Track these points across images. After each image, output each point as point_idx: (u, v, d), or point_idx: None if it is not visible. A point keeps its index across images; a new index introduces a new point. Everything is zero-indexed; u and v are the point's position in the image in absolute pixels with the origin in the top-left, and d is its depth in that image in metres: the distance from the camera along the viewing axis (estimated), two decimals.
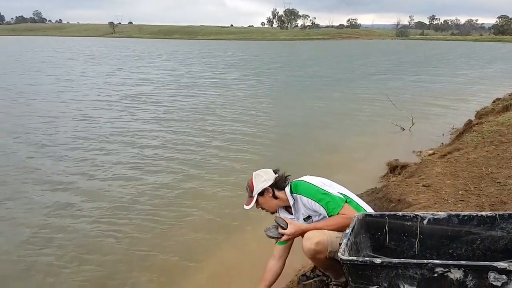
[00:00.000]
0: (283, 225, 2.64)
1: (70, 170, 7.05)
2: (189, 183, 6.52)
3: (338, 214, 2.59)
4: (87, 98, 14.55)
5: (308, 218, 2.75)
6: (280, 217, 2.69)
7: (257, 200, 2.80)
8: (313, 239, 2.55)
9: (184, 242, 4.77)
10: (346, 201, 2.64)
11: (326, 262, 2.67)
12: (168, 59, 36.38)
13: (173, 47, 59.97)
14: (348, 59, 37.20)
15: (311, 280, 3.22)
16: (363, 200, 2.91)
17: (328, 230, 2.59)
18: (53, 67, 26.15)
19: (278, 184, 2.80)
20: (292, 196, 2.77)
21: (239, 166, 7.26)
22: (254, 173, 2.86)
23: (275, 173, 2.84)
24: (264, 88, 17.92)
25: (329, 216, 2.64)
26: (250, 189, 2.80)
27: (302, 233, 2.65)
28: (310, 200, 2.68)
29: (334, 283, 2.85)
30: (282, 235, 2.66)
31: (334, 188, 2.75)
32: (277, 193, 2.80)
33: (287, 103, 14.30)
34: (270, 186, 2.78)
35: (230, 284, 4.04)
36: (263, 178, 2.79)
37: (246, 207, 2.82)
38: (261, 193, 2.78)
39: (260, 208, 2.87)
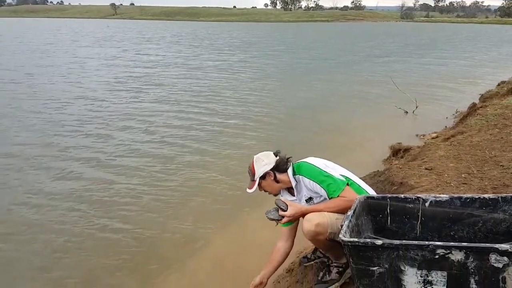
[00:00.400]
0: (283, 207, 2.64)
1: (84, 148, 7.29)
2: (197, 160, 6.70)
3: (338, 196, 2.60)
4: (95, 80, 14.65)
5: (309, 200, 2.76)
6: (280, 200, 2.70)
7: (259, 184, 2.81)
8: (313, 221, 2.56)
9: (192, 218, 4.91)
10: (347, 184, 2.64)
11: (326, 244, 2.69)
12: (172, 41, 36.17)
13: (176, 29, 59.56)
14: (352, 42, 36.81)
15: (312, 262, 3.25)
16: (365, 183, 2.91)
17: (328, 212, 2.60)
18: (59, 49, 26.07)
19: (280, 167, 2.80)
20: (295, 178, 2.77)
21: (246, 146, 7.35)
22: (254, 156, 2.86)
23: (276, 156, 2.84)
24: (269, 70, 17.83)
25: (329, 199, 2.64)
26: (252, 173, 2.81)
27: (302, 215, 2.66)
28: (311, 181, 2.68)
29: (334, 264, 2.86)
30: (283, 217, 2.67)
31: (336, 170, 2.74)
32: (279, 176, 2.80)
33: (292, 85, 14.25)
34: (272, 169, 2.78)
35: (236, 263, 4.07)
36: (264, 162, 2.79)
37: (248, 190, 2.83)
38: (262, 177, 2.79)
39: (263, 191, 2.88)
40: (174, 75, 15.88)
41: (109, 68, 17.62)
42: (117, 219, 4.87)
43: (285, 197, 2.92)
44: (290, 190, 2.90)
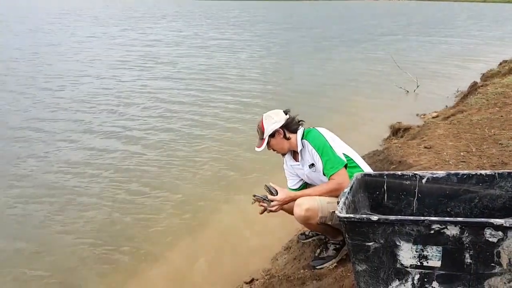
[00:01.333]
0: (273, 191, 2.64)
1: (96, 122, 7.50)
2: (200, 137, 6.82)
3: (330, 177, 2.59)
4: (102, 58, 14.68)
5: (312, 166, 2.75)
6: (271, 184, 2.69)
7: (268, 142, 2.78)
8: (303, 205, 2.57)
9: (197, 187, 5.08)
10: (345, 167, 2.62)
11: (318, 227, 2.71)
12: (173, 20, 35.83)
13: (175, 8, 58.85)
14: (355, 21, 36.41)
15: (310, 239, 3.28)
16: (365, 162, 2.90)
17: (319, 196, 2.60)
18: (61, 29, 25.81)
19: (289, 126, 2.77)
20: (302, 142, 2.75)
21: (244, 122, 7.41)
22: (264, 114, 2.83)
23: (286, 114, 2.81)
24: (274, 49, 17.74)
25: (323, 174, 2.64)
26: (261, 131, 2.77)
27: (292, 200, 2.67)
28: (314, 150, 2.67)
29: (332, 241, 2.89)
30: (270, 200, 2.66)
31: (342, 148, 2.72)
32: (288, 135, 2.78)
33: (295, 64, 14.19)
34: (281, 127, 2.75)
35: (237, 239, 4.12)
36: (274, 120, 2.76)
37: (257, 149, 2.80)
38: (272, 135, 2.76)
39: (271, 150, 2.86)
40: (180, 54, 15.91)
41: (114, 47, 17.61)
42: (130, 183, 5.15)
43: (289, 162, 2.91)
44: (294, 155, 2.88)
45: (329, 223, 2.62)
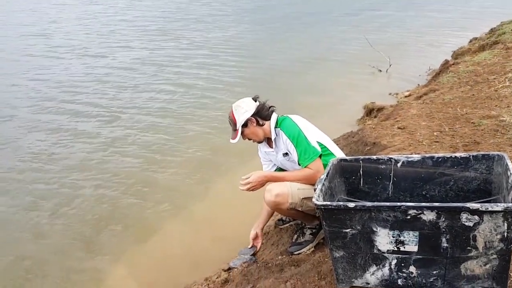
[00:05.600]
0: (246, 176, 2.62)
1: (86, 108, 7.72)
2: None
3: (306, 166, 2.56)
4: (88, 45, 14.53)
5: (286, 155, 2.72)
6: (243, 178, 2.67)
7: (242, 132, 2.72)
8: (273, 191, 2.55)
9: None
10: (320, 156, 2.59)
11: (289, 213, 2.70)
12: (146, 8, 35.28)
13: None
14: None
15: (287, 224, 3.28)
16: (339, 144, 2.89)
17: (291, 181, 2.59)
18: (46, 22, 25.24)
19: (261, 112, 2.72)
20: (275, 131, 2.71)
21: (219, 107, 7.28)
22: (233, 105, 2.75)
23: (255, 101, 2.75)
24: (247, 26, 17.57)
25: (299, 164, 2.61)
26: (233, 122, 2.71)
27: (266, 180, 2.65)
28: (288, 140, 2.63)
29: (308, 226, 2.88)
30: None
31: (314, 136, 2.68)
32: (261, 121, 2.73)
33: (270, 45, 14.04)
34: (253, 115, 2.69)
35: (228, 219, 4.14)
36: (244, 109, 2.69)
37: (232, 141, 2.74)
38: (245, 124, 2.70)
39: (247, 140, 2.81)
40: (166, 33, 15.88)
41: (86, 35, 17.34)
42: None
43: (263, 149, 2.88)
44: (269, 141, 2.84)
45: (299, 209, 2.61)
